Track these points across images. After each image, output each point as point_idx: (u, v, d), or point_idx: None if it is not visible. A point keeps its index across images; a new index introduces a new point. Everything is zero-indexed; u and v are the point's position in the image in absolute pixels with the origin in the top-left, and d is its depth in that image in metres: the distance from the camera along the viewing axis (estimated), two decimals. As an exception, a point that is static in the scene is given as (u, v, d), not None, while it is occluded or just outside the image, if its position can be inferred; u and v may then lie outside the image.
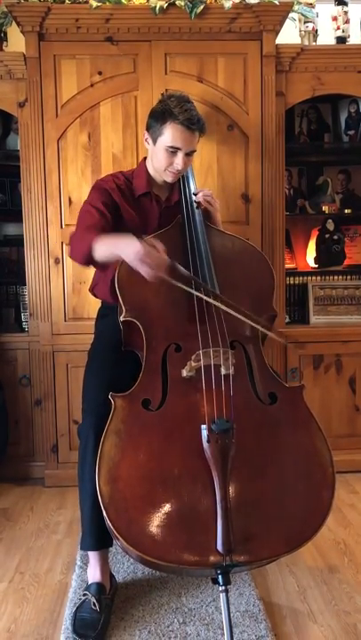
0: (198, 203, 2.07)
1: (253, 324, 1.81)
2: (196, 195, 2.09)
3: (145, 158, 2.15)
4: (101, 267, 1.97)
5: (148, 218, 2.11)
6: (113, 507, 1.56)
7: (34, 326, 2.89)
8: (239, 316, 1.76)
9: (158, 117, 1.98)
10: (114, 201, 2.07)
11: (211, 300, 1.80)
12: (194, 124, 1.96)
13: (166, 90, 2.70)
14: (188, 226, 2.00)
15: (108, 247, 1.82)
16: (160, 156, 2.01)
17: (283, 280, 2.95)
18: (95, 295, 2.28)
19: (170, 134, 1.96)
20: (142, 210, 2.11)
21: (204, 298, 1.79)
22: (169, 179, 2.06)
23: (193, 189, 2.11)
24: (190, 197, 2.08)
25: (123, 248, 1.75)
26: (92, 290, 2.28)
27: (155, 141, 2.02)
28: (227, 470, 1.57)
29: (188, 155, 2.01)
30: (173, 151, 1.98)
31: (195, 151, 2.05)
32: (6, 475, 2.92)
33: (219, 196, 2.77)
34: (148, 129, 2.04)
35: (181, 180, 2.12)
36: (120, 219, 2.07)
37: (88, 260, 1.88)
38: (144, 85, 2.74)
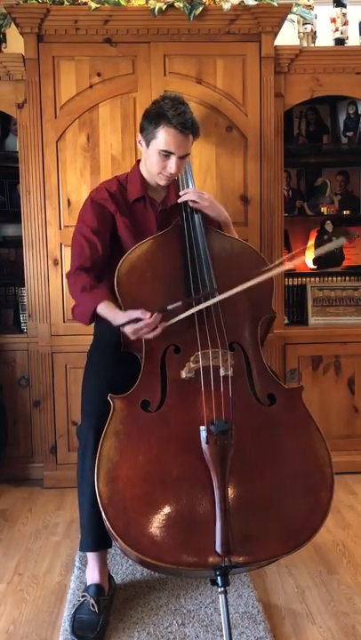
0: (186, 203, 2.03)
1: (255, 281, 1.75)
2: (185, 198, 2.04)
3: (139, 161, 2.13)
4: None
5: (143, 223, 2.08)
6: (112, 508, 1.56)
7: (32, 327, 2.89)
8: (240, 288, 1.73)
9: (152, 120, 1.95)
10: (109, 213, 2.05)
11: (212, 302, 1.78)
12: (187, 128, 1.92)
13: (165, 91, 2.71)
14: (186, 228, 1.99)
15: (107, 318, 1.86)
16: (153, 159, 1.98)
17: (281, 281, 2.96)
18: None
19: (163, 138, 1.93)
20: (137, 216, 2.09)
21: (205, 307, 1.77)
22: (162, 182, 2.03)
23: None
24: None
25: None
26: None
27: (148, 144, 1.98)
28: (226, 471, 1.58)
29: (182, 158, 1.98)
30: (167, 155, 1.95)
31: (189, 154, 2.02)
32: (5, 476, 2.92)
33: (217, 197, 2.77)
34: (141, 131, 2.01)
35: (180, 180, 2.11)
36: (115, 228, 2.06)
37: (92, 320, 1.93)
38: (143, 87, 2.74)
